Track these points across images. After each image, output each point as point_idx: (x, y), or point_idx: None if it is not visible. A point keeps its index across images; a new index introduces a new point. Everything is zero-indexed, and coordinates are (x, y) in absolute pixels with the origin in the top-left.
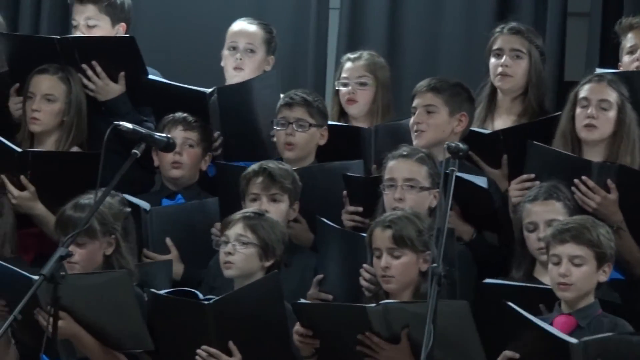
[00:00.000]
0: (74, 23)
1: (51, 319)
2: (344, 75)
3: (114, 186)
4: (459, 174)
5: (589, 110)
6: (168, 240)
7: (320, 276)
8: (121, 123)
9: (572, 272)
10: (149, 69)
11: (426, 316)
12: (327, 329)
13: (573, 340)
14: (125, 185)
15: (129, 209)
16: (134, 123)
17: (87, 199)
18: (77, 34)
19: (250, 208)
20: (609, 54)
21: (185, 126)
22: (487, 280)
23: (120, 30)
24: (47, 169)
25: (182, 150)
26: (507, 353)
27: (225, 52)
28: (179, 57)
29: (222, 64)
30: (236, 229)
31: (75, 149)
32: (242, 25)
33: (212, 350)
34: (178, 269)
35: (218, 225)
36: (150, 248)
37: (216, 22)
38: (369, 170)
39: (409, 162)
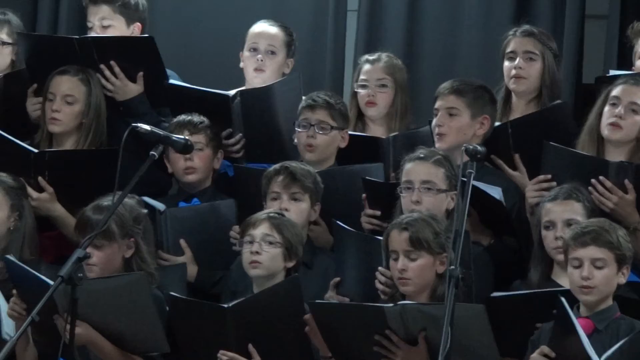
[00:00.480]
0: (89, 25)
1: (68, 325)
2: (362, 77)
3: (133, 188)
4: (473, 183)
5: (617, 110)
6: (182, 242)
7: (337, 279)
8: (139, 125)
9: (594, 275)
10: (167, 70)
11: (443, 318)
12: (344, 329)
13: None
14: (145, 187)
15: (146, 211)
16: (152, 123)
17: (108, 200)
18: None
19: (271, 208)
20: (627, 57)
21: (191, 130)
22: (495, 294)
23: (135, 31)
24: (64, 169)
25: (192, 155)
26: (544, 349)
27: (246, 54)
28: (196, 59)
29: (242, 65)
30: (262, 229)
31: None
32: (264, 27)
33: (231, 354)
34: (192, 270)
35: (237, 228)
36: (165, 249)
37: (234, 24)
38: (388, 178)
39: (426, 165)
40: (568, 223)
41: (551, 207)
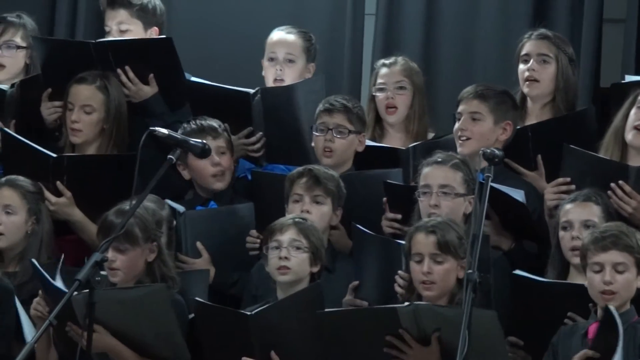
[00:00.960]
0: (107, 29)
1: (85, 332)
2: (380, 80)
3: (154, 190)
4: (495, 185)
5: None
6: (199, 244)
7: (355, 283)
8: (157, 129)
9: (616, 280)
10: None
11: (456, 320)
12: (353, 335)
13: None
14: (162, 191)
15: (170, 213)
16: (168, 123)
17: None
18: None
19: (293, 211)
20: None
21: (213, 135)
22: (518, 272)
23: (153, 35)
24: (82, 173)
25: (220, 160)
26: (588, 352)
27: (265, 63)
28: (214, 63)
29: (263, 74)
30: (290, 234)
31: None
32: (281, 35)
33: None
34: (210, 272)
35: (254, 232)
36: (184, 251)
37: (251, 27)
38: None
39: (443, 169)
40: (585, 224)
41: (570, 208)
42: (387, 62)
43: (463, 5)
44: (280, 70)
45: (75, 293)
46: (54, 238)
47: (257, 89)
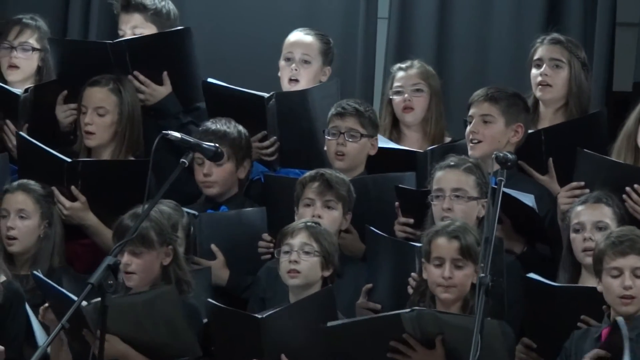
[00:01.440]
0: (121, 33)
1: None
2: (397, 84)
3: (166, 195)
4: (506, 190)
5: None
6: (213, 247)
7: (369, 285)
8: (169, 132)
9: (636, 284)
10: None
11: (459, 327)
12: (358, 344)
13: None
14: (176, 194)
15: (188, 220)
16: (183, 123)
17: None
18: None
19: (305, 217)
20: None
21: (213, 142)
22: (532, 275)
23: None
24: (97, 178)
25: (210, 170)
26: (600, 352)
27: (282, 63)
28: (227, 66)
29: (279, 74)
30: (300, 238)
31: (130, 158)
32: (299, 36)
33: None
34: (224, 274)
35: (266, 235)
36: (198, 254)
37: (264, 31)
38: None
39: (456, 172)
40: (597, 226)
41: (581, 210)
42: (403, 65)
43: (476, 9)
44: (296, 70)
45: (85, 304)
46: (68, 242)
47: (271, 93)
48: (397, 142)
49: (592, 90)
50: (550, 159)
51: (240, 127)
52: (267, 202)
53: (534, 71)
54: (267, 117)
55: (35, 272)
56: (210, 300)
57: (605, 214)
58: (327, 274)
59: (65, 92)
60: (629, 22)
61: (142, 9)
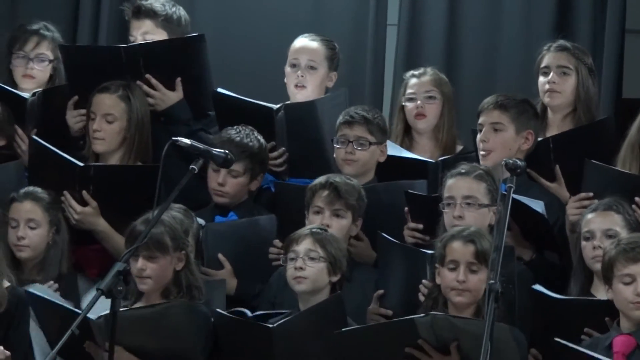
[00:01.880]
0: (132, 39)
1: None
2: (409, 91)
3: (177, 201)
4: (515, 196)
5: None
6: (220, 256)
7: (380, 291)
8: (179, 139)
9: None
10: None
11: (473, 332)
12: (372, 350)
13: None
14: (185, 200)
15: (197, 225)
16: (193, 131)
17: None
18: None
19: (314, 223)
20: None
21: (235, 155)
22: (537, 287)
23: None
24: (108, 183)
25: (225, 181)
26: None
27: (287, 69)
28: (237, 72)
29: (285, 80)
30: (305, 244)
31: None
32: (304, 42)
33: None
34: (231, 283)
35: (277, 242)
36: (205, 263)
37: (273, 38)
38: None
39: (467, 180)
40: (607, 234)
41: (591, 218)
42: (416, 72)
43: (485, 15)
44: (302, 76)
45: (94, 317)
46: (79, 247)
47: (280, 104)
48: (409, 148)
49: (601, 97)
50: (558, 166)
51: (261, 139)
52: (278, 209)
53: (541, 78)
54: (276, 128)
55: (28, 290)
56: (218, 310)
57: (615, 221)
58: (334, 279)
59: (76, 97)
60: (638, 29)
61: (153, 15)
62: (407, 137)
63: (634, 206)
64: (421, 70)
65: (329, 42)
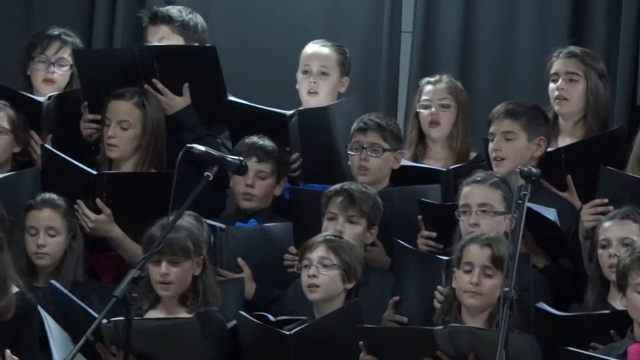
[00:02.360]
0: (148, 44)
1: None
2: (424, 97)
3: (189, 208)
4: (529, 205)
5: None
6: (240, 260)
7: (396, 298)
8: (194, 146)
9: None
10: None
11: (492, 343)
12: (393, 352)
13: None
14: (199, 207)
15: (208, 232)
16: (200, 136)
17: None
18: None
19: (329, 231)
20: None
21: (259, 158)
22: (543, 306)
23: None
24: (122, 190)
25: (254, 183)
26: None
27: (300, 76)
28: (251, 79)
29: (297, 87)
30: (318, 252)
31: (152, 170)
32: (315, 48)
33: None
34: (250, 288)
35: (293, 249)
36: (224, 267)
37: (287, 44)
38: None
39: (483, 188)
40: (623, 242)
41: (608, 226)
42: (432, 79)
43: (499, 22)
44: (314, 82)
45: (105, 322)
46: (94, 254)
47: (293, 110)
48: (422, 155)
49: (615, 104)
50: (569, 176)
51: (281, 147)
52: (294, 215)
53: (551, 85)
54: (289, 134)
55: (52, 282)
56: (241, 312)
57: (632, 230)
58: (349, 286)
59: (86, 103)
60: None
61: (169, 20)
62: (421, 144)
63: None
64: (437, 77)
65: (340, 47)
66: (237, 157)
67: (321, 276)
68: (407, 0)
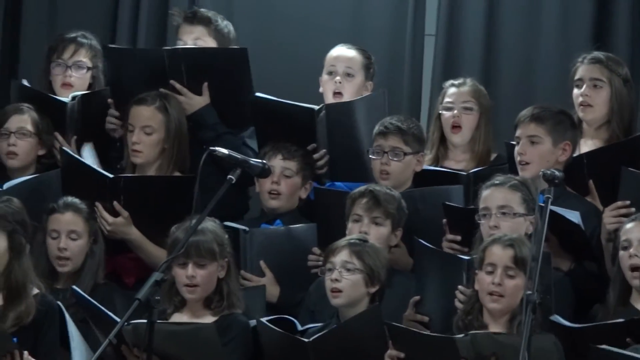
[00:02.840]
0: (181, 43)
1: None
2: (448, 100)
3: (212, 211)
4: (552, 207)
5: None
6: (262, 263)
7: (416, 298)
8: (217, 148)
9: None
10: None
11: (514, 346)
12: (418, 352)
13: None
14: (222, 210)
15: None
16: (220, 134)
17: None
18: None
19: (354, 233)
20: None
21: (284, 155)
22: (556, 318)
23: None
24: (139, 193)
25: (279, 180)
26: None
27: (324, 77)
28: (276, 83)
29: (321, 90)
30: (342, 256)
31: (177, 174)
32: (341, 51)
33: None
34: (274, 291)
35: (316, 249)
36: (248, 269)
37: (311, 49)
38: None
39: (502, 190)
40: None
41: (630, 227)
42: (456, 82)
43: (523, 25)
44: (340, 83)
45: (125, 324)
46: (116, 256)
47: (321, 105)
48: (444, 157)
49: (638, 108)
50: (591, 181)
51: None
52: (318, 216)
53: (575, 91)
54: (317, 129)
55: (74, 287)
56: (261, 320)
57: None
58: (372, 290)
59: (111, 100)
60: None
61: (207, 22)
62: (442, 145)
63: None
64: (461, 80)
65: (365, 51)
66: (260, 160)
67: (344, 280)
68: (431, 3)
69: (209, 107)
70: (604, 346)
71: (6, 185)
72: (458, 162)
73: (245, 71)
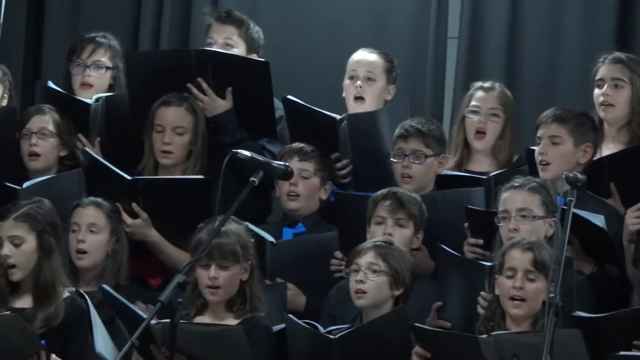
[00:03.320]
0: (210, 41)
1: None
2: (474, 103)
3: (235, 213)
4: (575, 210)
5: None
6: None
7: (439, 303)
8: (240, 151)
9: None
10: None
11: (537, 346)
12: (443, 353)
13: None
14: (245, 212)
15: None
16: (239, 139)
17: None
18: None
19: (377, 235)
20: None
21: (301, 157)
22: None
23: None
24: (158, 195)
25: (297, 181)
26: None
27: (346, 82)
28: (298, 87)
29: (344, 94)
30: (367, 258)
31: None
32: (362, 55)
33: None
34: (300, 300)
35: (338, 253)
36: (272, 280)
37: (334, 53)
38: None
39: (521, 193)
40: None
41: None
42: (484, 85)
43: (546, 27)
44: (361, 87)
45: (154, 322)
46: (142, 256)
47: (343, 115)
48: (467, 160)
49: None
50: (612, 184)
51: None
52: (339, 220)
53: (596, 91)
54: (339, 139)
55: (104, 286)
56: (289, 316)
57: None
58: (397, 293)
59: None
60: None
61: (239, 23)
62: (465, 148)
63: None
64: (489, 84)
65: (387, 55)
66: (282, 163)
67: (369, 282)
68: (453, 6)
69: (231, 112)
70: (622, 352)
71: (25, 185)
72: (481, 165)
73: (265, 84)
